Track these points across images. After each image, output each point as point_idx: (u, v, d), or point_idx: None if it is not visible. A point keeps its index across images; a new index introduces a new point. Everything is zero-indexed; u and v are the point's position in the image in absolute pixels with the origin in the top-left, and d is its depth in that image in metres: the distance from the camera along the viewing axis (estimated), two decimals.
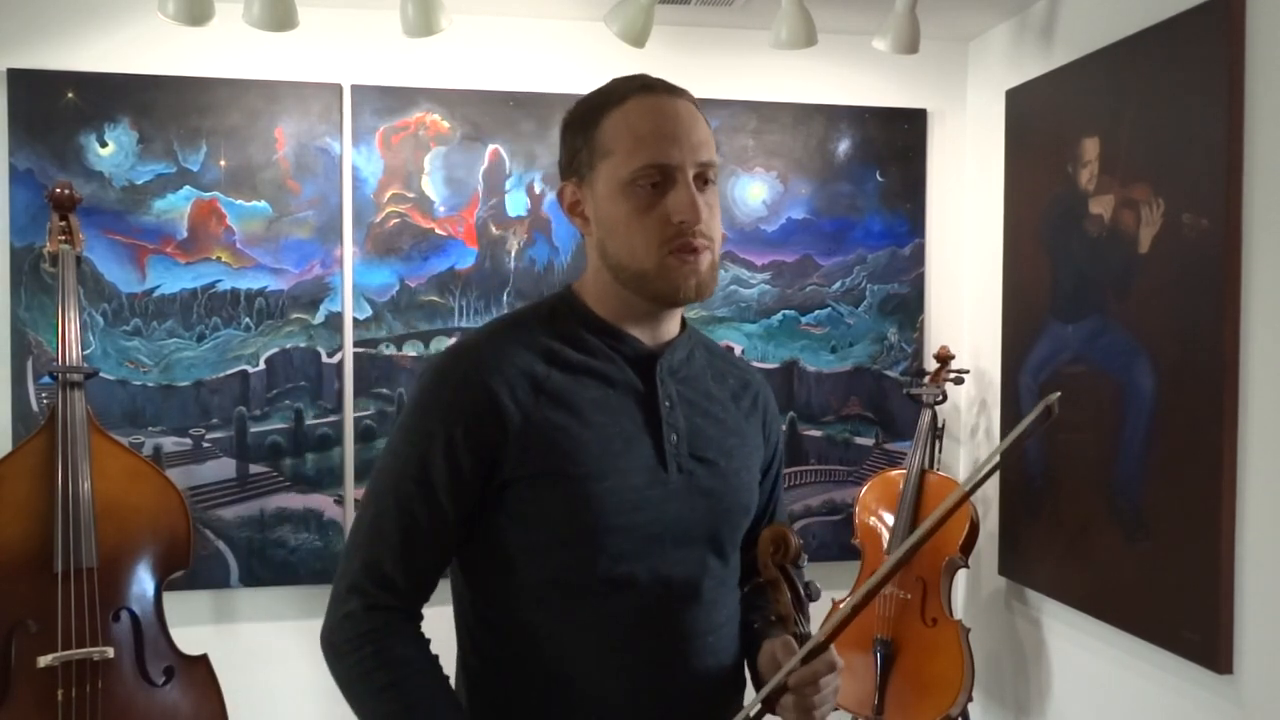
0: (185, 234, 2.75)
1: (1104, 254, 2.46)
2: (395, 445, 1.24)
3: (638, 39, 2.56)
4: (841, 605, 1.25)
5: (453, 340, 2.77)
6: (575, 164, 1.26)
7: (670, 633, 1.23)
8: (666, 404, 1.26)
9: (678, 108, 1.22)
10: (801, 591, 1.25)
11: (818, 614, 2.86)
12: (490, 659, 1.26)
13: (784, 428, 3.06)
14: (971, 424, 3.15)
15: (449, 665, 1.28)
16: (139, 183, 2.72)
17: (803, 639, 1.22)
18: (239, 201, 2.77)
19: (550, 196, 2.90)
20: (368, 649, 1.18)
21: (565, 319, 1.27)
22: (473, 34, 2.89)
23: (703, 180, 1.21)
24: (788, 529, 1.26)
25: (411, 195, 2.87)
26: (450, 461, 1.19)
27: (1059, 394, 1.13)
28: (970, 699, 2.72)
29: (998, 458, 1.15)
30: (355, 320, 2.84)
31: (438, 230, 2.88)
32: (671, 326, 1.30)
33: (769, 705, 1.19)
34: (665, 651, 1.23)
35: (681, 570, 1.24)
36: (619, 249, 1.21)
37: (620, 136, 1.20)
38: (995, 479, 2.95)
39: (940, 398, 2.93)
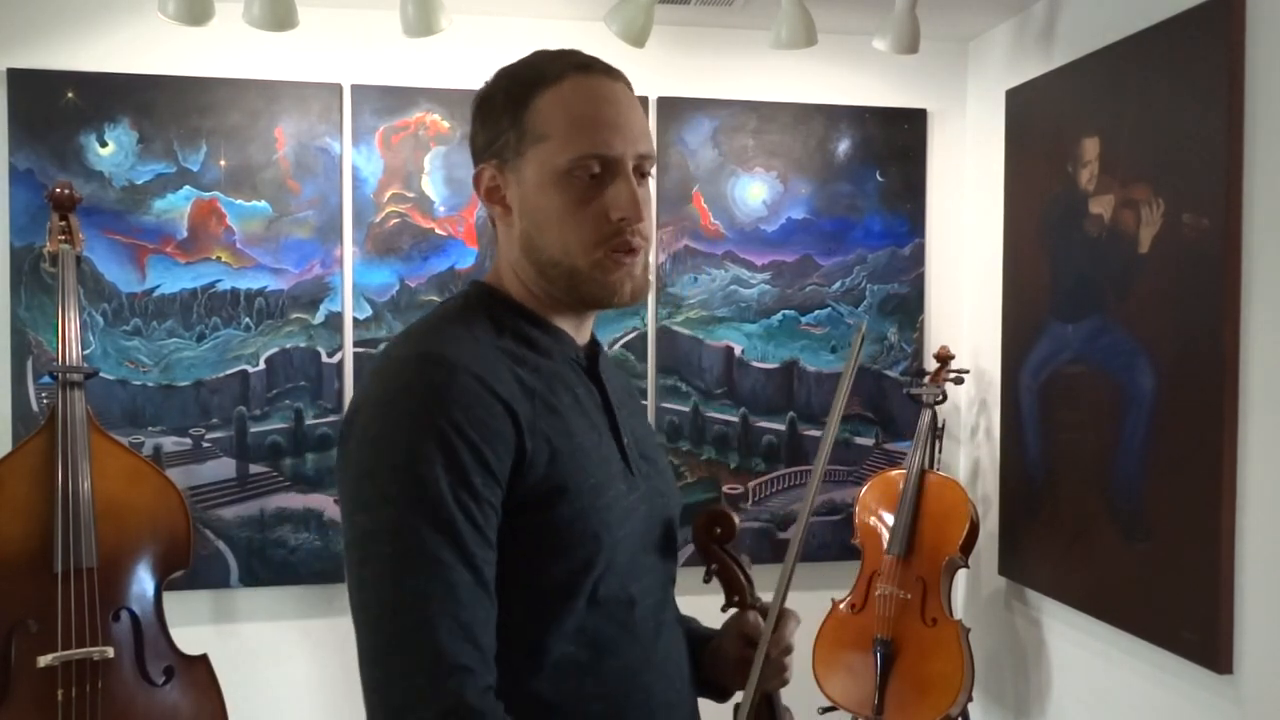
0: (185, 234, 2.75)
1: (1104, 254, 2.46)
2: (394, 490, 0.98)
3: (638, 39, 2.56)
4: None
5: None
6: (498, 146, 1.12)
7: (666, 640, 1.20)
8: (615, 404, 1.19)
9: (618, 92, 1.11)
10: (745, 566, 1.29)
11: (819, 612, 2.87)
12: None
13: (784, 427, 3.07)
14: (971, 424, 3.15)
15: None
16: (139, 183, 2.72)
17: (762, 609, 1.26)
18: (239, 201, 2.77)
19: None
20: None
21: (504, 318, 1.13)
22: (473, 34, 2.89)
23: (640, 173, 1.12)
24: (722, 507, 1.28)
25: (411, 195, 2.87)
26: (489, 488, 1.00)
27: (865, 319, 1.18)
28: (970, 699, 2.72)
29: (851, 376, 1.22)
30: (355, 320, 2.84)
31: (438, 230, 2.88)
32: (590, 323, 1.22)
33: (763, 683, 1.21)
34: (669, 662, 1.19)
35: (663, 574, 1.21)
36: (549, 244, 1.10)
37: (555, 120, 1.08)
38: (996, 479, 2.95)
39: (940, 398, 2.93)
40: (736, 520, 1.27)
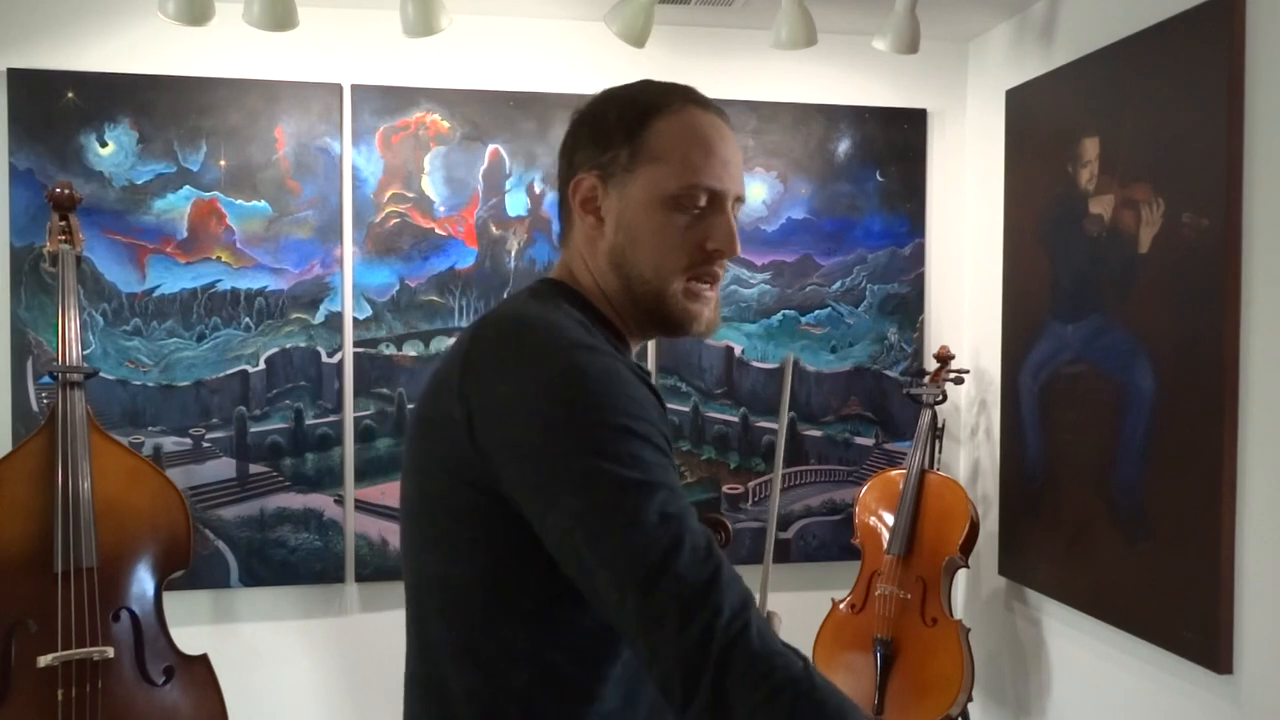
0: (185, 234, 2.75)
1: (1104, 254, 2.46)
2: (600, 465, 0.97)
3: (638, 39, 2.56)
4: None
5: (456, 337, 2.72)
6: (605, 159, 1.15)
7: None
8: None
9: (728, 132, 1.18)
10: None
11: (818, 612, 2.87)
12: None
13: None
14: (971, 424, 3.15)
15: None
16: (139, 182, 2.72)
17: None
18: (239, 201, 2.77)
19: (551, 196, 2.90)
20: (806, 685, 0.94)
21: (593, 325, 1.14)
22: (473, 34, 2.89)
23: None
24: (717, 514, 1.33)
25: (411, 195, 2.87)
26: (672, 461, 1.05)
27: (793, 354, 1.19)
28: (970, 699, 2.72)
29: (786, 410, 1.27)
30: (355, 320, 2.84)
31: (438, 230, 2.88)
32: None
33: None
34: None
35: None
36: (643, 261, 1.14)
37: (674, 146, 1.13)
38: (996, 479, 2.95)
39: (940, 398, 2.93)
40: (730, 525, 1.31)
